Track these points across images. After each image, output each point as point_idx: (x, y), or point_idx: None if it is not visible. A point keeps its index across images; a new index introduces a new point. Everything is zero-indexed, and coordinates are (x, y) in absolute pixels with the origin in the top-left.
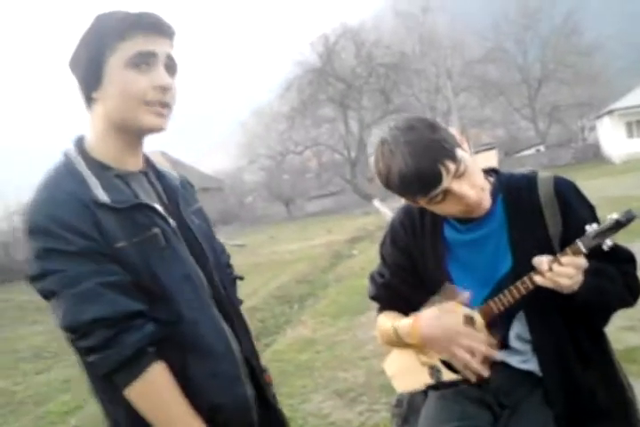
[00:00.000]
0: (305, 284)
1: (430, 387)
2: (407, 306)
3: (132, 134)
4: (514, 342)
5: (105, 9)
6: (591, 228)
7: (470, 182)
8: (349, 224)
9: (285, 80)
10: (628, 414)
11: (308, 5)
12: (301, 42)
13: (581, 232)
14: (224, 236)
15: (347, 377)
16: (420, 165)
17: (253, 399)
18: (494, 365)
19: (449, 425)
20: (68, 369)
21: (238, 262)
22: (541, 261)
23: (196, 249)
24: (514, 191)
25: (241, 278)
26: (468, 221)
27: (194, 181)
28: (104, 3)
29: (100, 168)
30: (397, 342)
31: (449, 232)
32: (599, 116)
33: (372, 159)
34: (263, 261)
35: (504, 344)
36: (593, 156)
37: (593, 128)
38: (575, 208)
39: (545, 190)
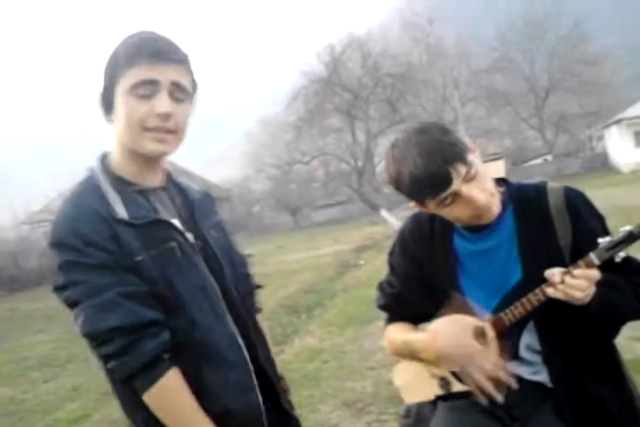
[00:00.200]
0: (312, 293)
1: (440, 398)
2: (416, 316)
3: (140, 156)
4: (524, 352)
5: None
6: (604, 240)
7: (480, 187)
8: (356, 234)
9: (292, 90)
10: (639, 425)
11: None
12: (308, 51)
13: (592, 243)
14: None
15: (354, 387)
16: (431, 167)
17: (263, 406)
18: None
19: None
20: (76, 377)
21: None
22: (553, 273)
23: (212, 261)
24: (524, 202)
25: (260, 287)
26: (477, 229)
27: None
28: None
29: (121, 184)
30: (409, 355)
31: (459, 242)
32: (607, 126)
33: (379, 168)
34: (270, 271)
35: (514, 355)
36: (601, 165)
37: (601, 138)
38: (585, 219)
39: (555, 201)
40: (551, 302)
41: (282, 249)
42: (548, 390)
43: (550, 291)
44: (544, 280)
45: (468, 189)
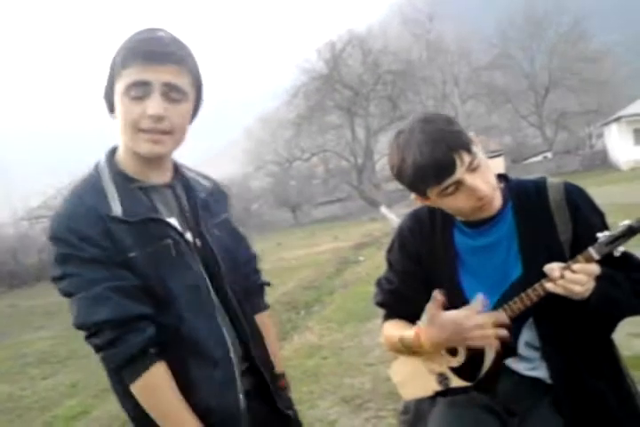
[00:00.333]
0: (311, 290)
1: (438, 393)
2: (414, 312)
3: (141, 155)
4: (522, 349)
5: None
6: (603, 235)
7: (483, 178)
8: (356, 230)
9: (292, 87)
10: (637, 421)
11: (314, 12)
12: (308, 48)
13: (591, 239)
14: None
15: (353, 383)
16: (436, 154)
17: (246, 408)
18: (502, 372)
19: None
20: (75, 374)
21: None
22: (553, 268)
23: (210, 261)
24: (523, 197)
25: (267, 284)
26: (477, 225)
27: None
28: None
29: (124, 180)
30: (406, 351)
31: (459, 237)
32: (607, 123)
33: (379, 165)
34: (270, 268)
35: (513, 352)
36: (600, 163)
37: (600, 135)
38: (586, 214)
39: (555, 196)
40: (550, 298)
41: (281, 246)
42: (547, 386)
43: (550, 286)
44: (544, 276)
45: (472, 179)
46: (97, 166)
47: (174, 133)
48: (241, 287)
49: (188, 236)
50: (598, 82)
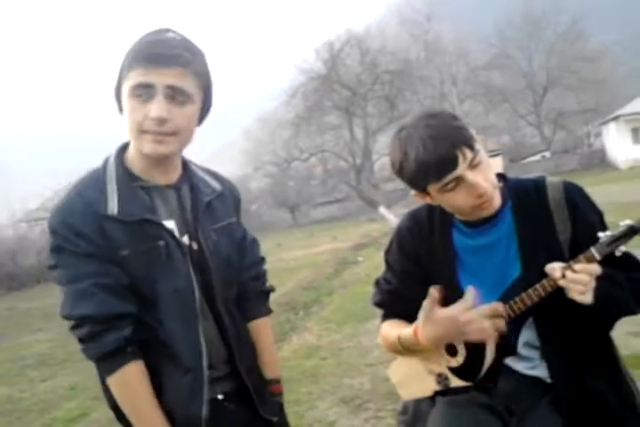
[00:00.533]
0: (310, 290)
1: (438, 393)
2: (412, 312)
3: (146, 155)
4: (522, 349)
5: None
6: (605, 235)
7: (485, 176)
8: (354, 231)
9: (290, 87)
10: (637, 420)
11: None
12: (306, 48)
13: (591, 238)
14: None
15: (352, 384)
16: (438, 149)
17: (208, 418)
18: (502, 371)
19: None
20: (73, 376)
21: None
22: (554, 267)
23: (202, 265)
24: (522, 196)
25: (271, 290)
26: (476, 224)
27: None
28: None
29: (127, 178)
30: (403, 351)
31: (458, 237)
32: (605, 123)
33: (377, 165)
34: (269, 269)
35: (512, 351)
36: (599, 162)
37: (599, 134)
38: (585, 214)
39: (554, 195)
40: (550, 298)
41: (280, 247)
42: (546, 385)
43: (552, 286)
44: (543, 275)
45: (473, 176)
46: (106, 161)
47: (179, 135)
48: (236, 293)
49: (185, 239)
50: (596, 81)
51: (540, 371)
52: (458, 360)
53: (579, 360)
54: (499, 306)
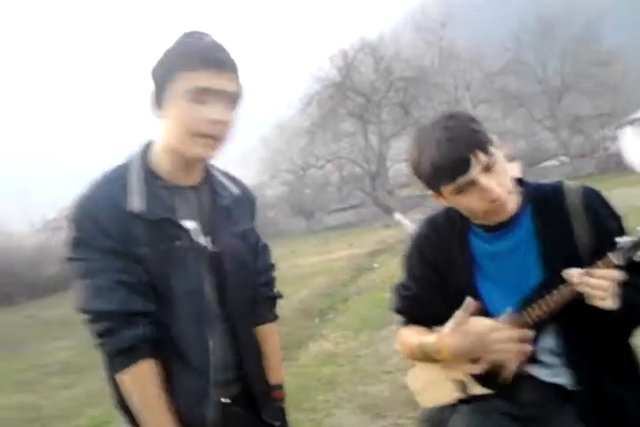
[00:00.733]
0: (326, 297)
1: (458, 401)
2: (431, 319)
3: (182, 157)
4: (542, 356)
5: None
6: (623, 240)
7: (499, 181)
8: (370, 237)
9: (306, 95)
10: None
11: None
12: (320, 56)
13: (610, 243)
14: None
15: (370, 391)
16: (452, 151)
17: (214, 421)
18: (523, 379)
19: None
20: (95, 384)
21: None
22: (572, 273)
23: (219, 268)
24: (542, 201)
25: (279, 297)
26: (494, 229)
27: None
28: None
29: (151, 177)
30: (424, 358)
31: (476, 243)
32: (621, 126)
33: (392, 171)
34: (284, 276)
35: (533, 358)
36: (615, 166)
37: (615, 138)
38: (604, 218)
39: (573, 200)
40: (572, 304)
41: (296, 254)
42: (568, 393)
43: (571, 291)
44: (563, 281)
45: (487, 180)
46: (129, 159)
47: (223, 139)
48: (248, 297)
49: (203, 240)
50: (612, 85)
51: (563, 378)
52: (479, 367)
53: (601, 367)
54: (527, 333)
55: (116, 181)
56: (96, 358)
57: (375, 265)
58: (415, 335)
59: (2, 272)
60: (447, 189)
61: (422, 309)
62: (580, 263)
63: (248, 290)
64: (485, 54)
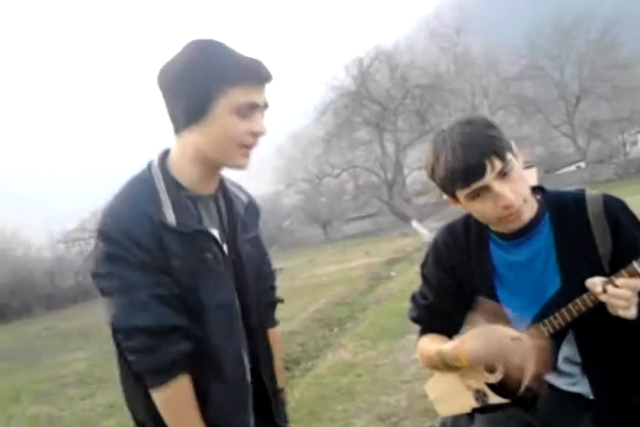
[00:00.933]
0: (344, 306)
1: (476, 410)
2: (450, 328)
3: (214, 166)
4: (562, 365)
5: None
6: None
7: (514, 188)
8: (387, 246)
9: (321, 104)
10: None
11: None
12: (335, 65)
13: (633, 252)
14: None
15: (389, 401)
16: (467, 156)
17: (254, 422)
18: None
19: None
20: (112, 395)
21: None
22: (595, 282)
23: (241, 276)
24: (561, 210)
25: (280, 301)
26: (512, 237)
27: None
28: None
29: (175, 187)
30: (442, 366)
31: (495, 252)
32: None
33: (409, 180)
34: (302, 285)
35: (552, 367)
36: (635, 171)
37: (634, 143)
38: (626, 228)
39: (594, 209)
40: (591, 313)
41: (313, 263)
42: (588, 402)
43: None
44: (583, 289)
45: (500, 186)
46: (150, 168)
47: (254, 149)
48: (262, 302)
49: (225, 249)
50: (630, 89)
51: (582, 387)
52: (496, 377)
53: (621, 376)
54: (550, 343)
55: (146, 194)
56: (112, 369)
57: (393, 274)
58: (433, 343)
59: (21, 283)
60: (462, 194)
61: (440, 317)
62: (601, 272)
63: (262, 295)
64: (501, 60)
